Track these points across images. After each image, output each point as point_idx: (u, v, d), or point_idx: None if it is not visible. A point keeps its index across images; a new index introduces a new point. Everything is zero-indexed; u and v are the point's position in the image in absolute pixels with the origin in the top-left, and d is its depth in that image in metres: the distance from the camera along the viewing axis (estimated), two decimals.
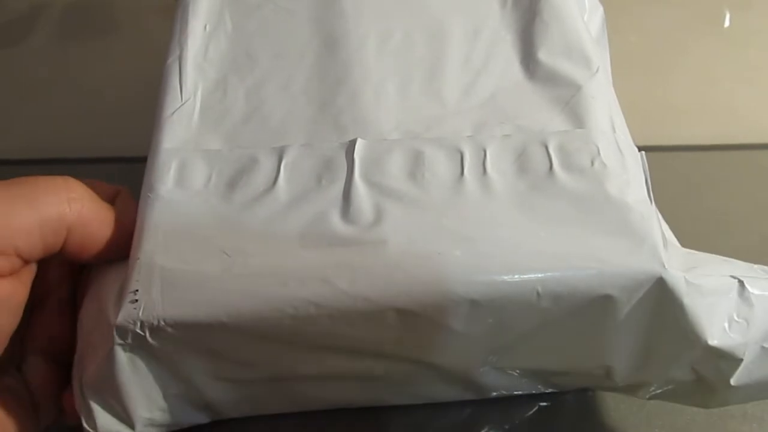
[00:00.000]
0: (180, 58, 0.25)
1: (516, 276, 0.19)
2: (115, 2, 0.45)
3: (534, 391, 0.24)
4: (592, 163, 0.21)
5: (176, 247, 0.19)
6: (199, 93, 0.24)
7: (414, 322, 0.19)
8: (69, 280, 0.22)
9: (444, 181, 0.21)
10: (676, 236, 0.31)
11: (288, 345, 0.20)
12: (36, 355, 0.21)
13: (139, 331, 0.18)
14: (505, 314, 0.19)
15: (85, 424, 0.20)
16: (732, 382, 0.21)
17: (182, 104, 0.23)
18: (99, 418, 0.20)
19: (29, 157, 0.36)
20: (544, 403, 0.25)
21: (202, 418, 0.22)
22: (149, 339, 0.19)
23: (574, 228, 0.20)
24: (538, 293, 0.19)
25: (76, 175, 0.21)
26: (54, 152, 0.36)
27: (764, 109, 0.38)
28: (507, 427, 0.24)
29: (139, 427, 0.20)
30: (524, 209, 0.20)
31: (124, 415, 0.20)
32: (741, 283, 0.20)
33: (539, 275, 0.19)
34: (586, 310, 0.19)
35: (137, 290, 0.19)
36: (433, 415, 0.24)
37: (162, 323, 0.18)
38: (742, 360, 0.20)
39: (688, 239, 0.32)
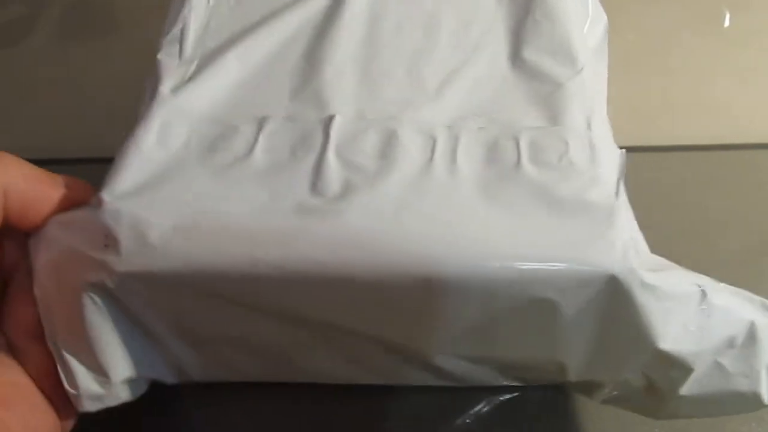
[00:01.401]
0: (182, 30, 0.25)
1: (468, 261, 0.19)
2: (115, 2, 0.45)
3: (497, 384, 0.24)
4: (560, 160, 0.21)
5: (146, 201, 0.20)
6: (195, 62, 0.24)
7: (366, 293, 0.19)
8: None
9: (413, 164, 0.21)
10: (675, 235, 0.31)
11: (245, 308, 0.20)
12: (27, 340, 0.21)
13: (107, 283, 0.19)
14: (454, 298, 0.19)
15: (66, 386, 0.20)
16: (681, 392, 0.20)
17: (176, 69, 0.24)
18: (78, 377, 0.20)
19: (29, 157, 0.36)
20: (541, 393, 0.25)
21: (173, 378, 0.23)
22: (115, 291, 0.19)
23: (532, 220, 0.19)
24: (487, 281, 0.19)
25: (77, 175, 0.21)
26: (54, 152, 0.36)
27: (764, 110, 0.38)
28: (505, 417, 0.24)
29: (117, 384, 0.21)
30: (486, 198, 0.20)
31: (100, 372, 0.20)
32: (703, 292, 0.20)
33: (491, 263, 0.19)
34: (537, 303, 0.19)
35: (107, 245, 0.19)
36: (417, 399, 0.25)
37: (127, 275, 0.19)
38: (692, 370, 0.20)
39: (688, 239, 0.32)
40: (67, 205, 0.21)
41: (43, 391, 0.21)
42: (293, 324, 0.21)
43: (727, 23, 0.42)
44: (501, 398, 0.26)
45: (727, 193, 0.34)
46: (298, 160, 0.21)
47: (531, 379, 0.24)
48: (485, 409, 0.26)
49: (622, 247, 0.19)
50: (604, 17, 0.28)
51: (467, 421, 0.26)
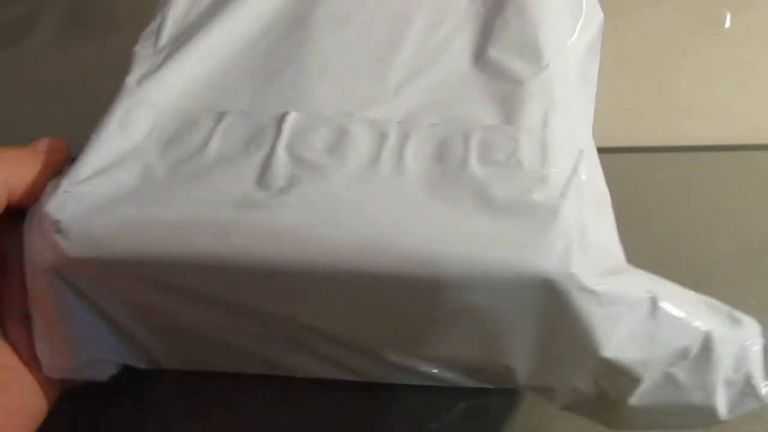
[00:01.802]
0: (160, 23, 0.26)
1: (406, 257, 0.19)
2: (115, 2, 0.45)
3: (460, 384, 0.23)
4: (508, 159, 0.21)
5: (97, 190, 0.20)
6: (164, 53, 0.25)
7: (301, 287, 0.19)
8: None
9: (361, 160, 0.21)
10: (675, 236, 0.31)
11: (189, 297, 0.20)
12: (17, 323, 0.21)
13: (60, 268, 0.20)
14: (392, 295, 0.19)
15: (42, 363, 0.21)
16: (632, 402, 0.20)
17: (147, 60, 0.25)
18: (47, 356, 0.21)
19: None
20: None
21: (144, 364, 0.23)
22: (70, 276, 0.20)
23: (473, 220, 0.19)
24: (425, 279, 0.18)
25: None
26: None
27: (764, 110, 0.38)
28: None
29: (82, 365, 0.22)
30: (430, 196, 0.20)
31: (66, 353, 0.21)
32: (653, 300, 0.19)
33: (429, 260, 0.18)
34: (474, 303, 0.19)
35: (57, 230, 0.19)
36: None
37: (75, 260, 0.19)
38: (641, 380, 0.19)
39: (688, 239, 0.32)
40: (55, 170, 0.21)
41: (32, 373, 0.21)
42: (238, 315, 0.21)
43: (727, 24, 0.42)
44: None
45: (727, 193, 0.33)
46: (249, 155, 0.21)
47: (490, 381, 0.23)
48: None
49: (563, 249, 0.18)
50: (600, 15, 0.27)
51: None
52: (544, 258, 0.18)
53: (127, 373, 0.24)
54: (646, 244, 0.31)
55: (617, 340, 0.19)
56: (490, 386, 0.24)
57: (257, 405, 0.26)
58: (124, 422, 0.26)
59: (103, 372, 0.23)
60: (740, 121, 0.37)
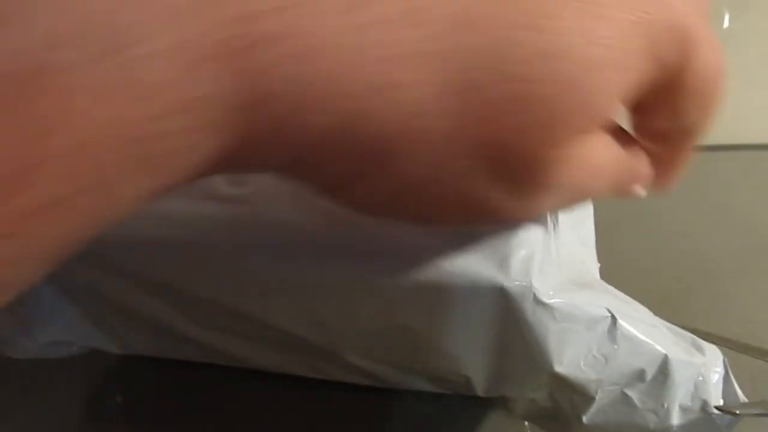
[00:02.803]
0: None
1: (364, 257, 0.18)
2: None
3: (424, 389, 0.23)
4: None
5: None
6: None
7: (267, 282, 0.19)
8: None
9: None
10: (676, 235, 0.31)
11: (157, 287, 0.20)
12: None
13: None
14: (347, 295, 0.19)
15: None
16: (585, 419, 0.20)
17: None
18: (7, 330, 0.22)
19: None
20: None
21: (118, 349, 0.24)
22: None
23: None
24: (385, 285, 0.18)
25: None
26: None
27: (764, 110, 0.38)
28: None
29: (43, 343, 0.22)
30: None
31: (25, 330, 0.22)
32: (613, 319, 0.19)
33: (387, 263, 0.18)
34: (427, 309, 0.19)
35: None
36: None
37: None
38: (594, 398, 0.19)
39: (688, 239, 0.32)
40: None
41: None
42: (198, 306, 0.21)
43: (726, 24, 0.42)
44: None
45: (727, 193, 0.34)
46: None
47: (454, 389, 0.23)
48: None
49: (522, 262, 0.18)
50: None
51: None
52: (501, 269, 0.18)
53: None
54: (647, 242, 0.32)
55: (571, 356, 0.19)
56: (454, 393, 0.23)
57: (256, 405, 0.26)
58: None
59: (68, 350, 0.23)
60: (740, 120, 0.37)
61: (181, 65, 0.11)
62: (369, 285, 0.18)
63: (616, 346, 0.19)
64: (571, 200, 0.17)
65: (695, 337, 0.20)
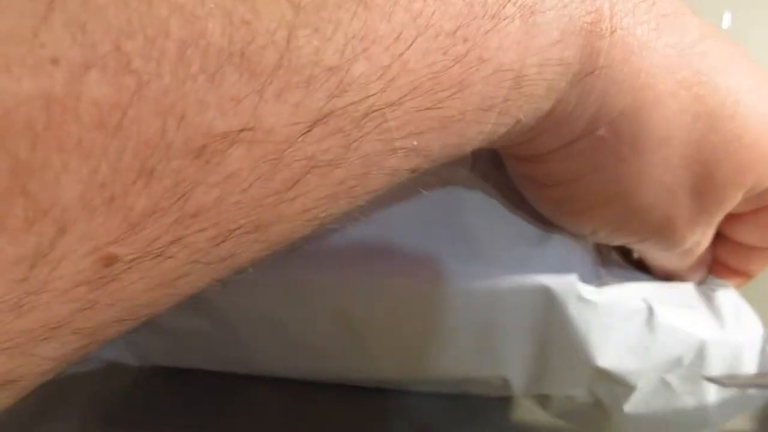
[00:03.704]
0: None
1: (407, 266, 0.19)
2: None
3: (445, 391, 0.23)
4: None
5: None
6: None
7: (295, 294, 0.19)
8: None
9: None
10: None
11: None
12: None
13: None
14: (385, 303, 0.19)
15: None
16: (626, 408, 0.20)
17: None
18: None
19: None
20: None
21: (135, 361, 0.23)
22: None
23: None
24: (425, 288, 0.19)
25: None
26: None
27: None
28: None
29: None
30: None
31: None
32: (650, 309, 0.19)
33: (432, 272, 0.19)
34: (474, 312, 0.19)
35: None
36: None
37: None
38: (635, 387, 0.20)
39: None
40: None
41: None
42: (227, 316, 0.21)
43: (727, 23, 0.42)
44: None
45: None
46: None
47: (483, 391, 0.23)
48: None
49: (564, 261, 0.19)
50: None
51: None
52: (545, 269, 0.19)
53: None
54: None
55: (612, 349, 0.19)
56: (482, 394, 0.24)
57: (256, 405, 0.26)
58: None
59: (85, 364, 0.23)
60: None
61: (561, 32, 0.14)
62: (413, 291, 0.19)
63: (654, 336, 0.19)
64: (687, 252, 0.20)
65: (738, 304, 0.21)
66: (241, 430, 0.25)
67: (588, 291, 0.19)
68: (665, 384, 0.20)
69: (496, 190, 0.20)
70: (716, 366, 0.20)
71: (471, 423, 0.25)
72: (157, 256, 0.11)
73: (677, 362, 0.20)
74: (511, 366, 0.20)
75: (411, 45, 0.12)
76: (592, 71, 0.15)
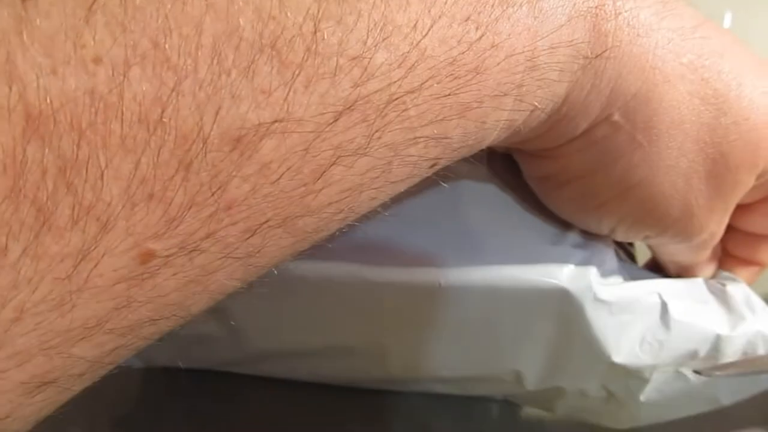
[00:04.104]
0: None
1: (428, 263, 0.19)
2: None
3: (455, 393, 0.24)
4: None
5: None
6: None
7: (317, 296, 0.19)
8: None
9: None
10: None
11: None
12: None
13: None
14: (405, 300, 0.19)
15: None
16: (641, 398, 0.21)
17: None
18: None
19: None
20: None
21: (139, 362, 0.23)
22: None
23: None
24: (439, 284, 0.19)
25: None
26: None
27: None
28: None
29: None
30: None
31: None
32: (664, 305, 0.20)
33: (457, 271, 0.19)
34: (490, 309, 0.19)
35: None
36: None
37: None
38: (648, 380, 0.20)
39: None
40: None
41: None
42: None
43: (728, 23, 0.42)
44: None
45: None
46: None
47: (493, 390, 0.24)
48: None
49: (578, 261, 0.19)
50: None
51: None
52: (562, 270, 0.19)
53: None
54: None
55: (628, 345, 0.20)
56: (490, 395, 0.24)
57: (256, 404, 0.26)
58: None
59: None
60: None
61: (568, 16, 0.14)
62: (434, 287, 0.19)
63: (669, 332, 0.20)
64: (701, 243, 0.20)
65: (750, 294, 0.21)
66: (244, 430, 0.25)
67: (604, 291, 0.19)
68: (679, 374, 0.20)
69: (511, 190, 0.20)
70: (731, 355, 0.20)
71: (471, 423, 0.25)
72: (192, 251, 0.12)
73: (692, 355, 0.20)
74: (525, 360, 0.21)
75: (427, 33, 0.12)
76: (602, 52, 0.15)
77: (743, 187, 0.18)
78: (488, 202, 0.20)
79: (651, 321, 0.20)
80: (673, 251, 0.21)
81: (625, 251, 0.24)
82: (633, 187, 0.17)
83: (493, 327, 0.20)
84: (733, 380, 0.21)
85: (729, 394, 0.22)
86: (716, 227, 0.19)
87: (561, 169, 0.18)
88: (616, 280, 0.20)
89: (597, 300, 0.19)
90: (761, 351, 0.20)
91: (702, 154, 0.17)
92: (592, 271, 0.19)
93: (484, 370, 0.22)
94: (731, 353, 0.20)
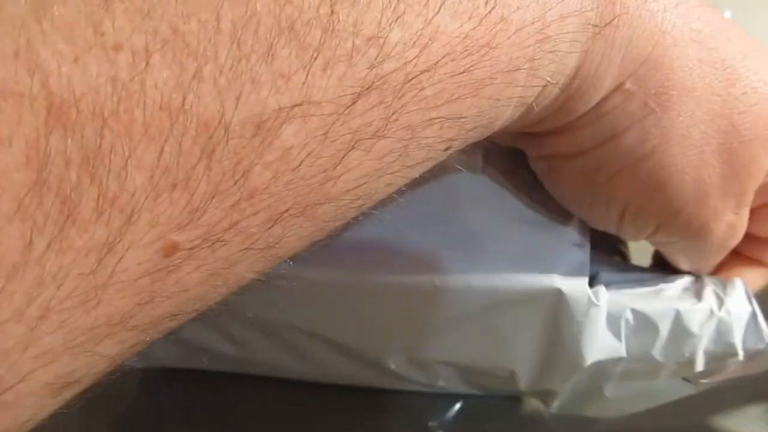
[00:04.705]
0: None
1: (427, 267, 0.19)
2: None
3: (454, 391, 0.24)
4: None
5: None
6: None
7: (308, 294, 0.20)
8: None
9: None
10: None
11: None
12: None
13: None
14: (402, 302, 0.20)
15: None
16: (607, 394, 0.21)
17: None
18: None
19: None
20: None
21: (140, 362, 0.23)
22: None
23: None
24: (435, 285, 0.19)
25: None
26: None
27: None
28: None
29: None
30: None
31: None
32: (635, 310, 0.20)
33: (440, 268, 0.19)
34: (487, 311, 0.20)
35: None
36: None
37: None
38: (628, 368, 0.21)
39: None
40: None
41: None
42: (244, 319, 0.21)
43: None
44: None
45: None
46: None
47: (487, 387, 0.24)
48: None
49: (577, 267, 0.19)
50: None
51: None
52: (559, 272, 0.19)
53: None
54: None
55: (604, 346, 0.20)
56: (486, 393, 0.24)
57: (256, 404, 0.26)
58: None
59: None
60: None
61: None
62: (432, 289, 0.19)
63: (635, 323, 0.20)
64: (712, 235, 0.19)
65: (718, 280, 0.21)
66: (244, 430, 0.25)
67: (596, 294, 0.20)
68: (650, 358, 0.21)
69: (509, 189, 0.20)
70: (700, 333, 0.20)
71: (471, 423, 0.25)
72: (215, 242, 0.11)
73: (655, 333, 0.20)
74: (521, 360, 0.21)
75: (439, 10, 0.12)
76: (611, 20, 0.15)
77: (758, 166, 0.18)
78: (486, 202, 0.20)
79: (623, 325, 0.20)
80: (691, 254, 0.21)
81: (621, 255, 0.24)
82: (644, 158, 0.17)
83: (489, 326, 0.20)
84: (715, 363, 0.21)
85: (702, 375, 0.22)
86: (735, 219, 0.19)
87: (570, 143, 0.18)
88: (617, 279, 0.21)
89: (590, 303, 0.19)
90: (736, 328, 0.21)
91: (714, 126, 0.17)
92: (587, 273, 0.20)
93: (481, 364, 0.22)
94: (697, 328, 0.20)
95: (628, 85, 0.16)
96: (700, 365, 0.21)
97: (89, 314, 0.11)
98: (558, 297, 0.19)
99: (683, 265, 0.22)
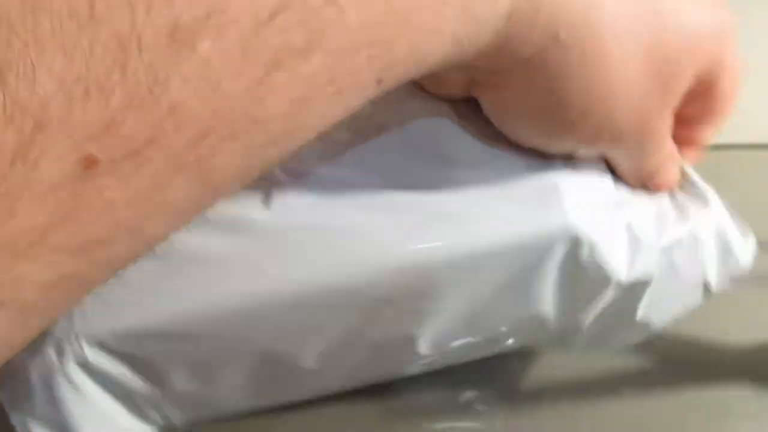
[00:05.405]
0: None
1: (433, 241, 0.19)
2: None
3: (477, 356, 0.24)
4: None
5: None
6: None
7: (345, 298, 0.19)
8: None
9: None
10: None
11: (232, 341, 0.19)
12: None
13: (77, 349, 0.18)
14: (429, 280, 0.20)
15: None
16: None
17: None
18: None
19: None
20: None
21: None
22: (89, 358, 0.18)
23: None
24: (441, 262, 0.19)
25: None
26: None
27: (764, 110, 0.38)
28: None
29: None
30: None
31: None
32: (629, 226, 0.21)
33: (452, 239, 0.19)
34: (508, 265, 0.20)
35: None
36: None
37: (99, 338, 0.18)
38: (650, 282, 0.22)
39: None
40: None
41: None
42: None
43: None
44: None
45: (728, 193, 0.33)
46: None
47: (513, 343, 0.24)
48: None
49: (577, 207, 0.20)
50: None
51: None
52: (563, 216, 0.20)
53: None
54: None
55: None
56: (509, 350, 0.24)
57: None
58: None
59: None
60: (740, 120, 0.37)
61: None
62: (449, 254, 0.19)
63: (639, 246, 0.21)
64: (649, 148, 0.20)
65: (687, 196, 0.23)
66: (245, 429, 0.25)
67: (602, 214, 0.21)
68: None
69: (486, 129, 0.21)
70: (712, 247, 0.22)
71: (471, 423, 0.25)
72: (136, 158, 0.11)
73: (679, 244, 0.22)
74: (547, 303, 0.21)
75: None
76: None
77: (686, 78, 0.19)
78: (468, 150, 0.21)
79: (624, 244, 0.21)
80: (633, 162, 0.21)
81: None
82: (591, 107, 0.18)
83: (509, 279, 0.20)
84: (663, 304, 0.22)
85: (659, 321, 0.23)
86: (665, 128, 0.20)
87: (519, 99, 0.18)
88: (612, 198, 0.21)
89: (596, 222, 0.20)
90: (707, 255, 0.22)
91: (648, 57, 0.18)
92: (589, 195, 0.20)
93: (509, 322, 0.22)
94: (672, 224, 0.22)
95: (563, 36, 0.16)
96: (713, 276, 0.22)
97: (3, 226, 0.11)
98: (566, 230, 0.20)
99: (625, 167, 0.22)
